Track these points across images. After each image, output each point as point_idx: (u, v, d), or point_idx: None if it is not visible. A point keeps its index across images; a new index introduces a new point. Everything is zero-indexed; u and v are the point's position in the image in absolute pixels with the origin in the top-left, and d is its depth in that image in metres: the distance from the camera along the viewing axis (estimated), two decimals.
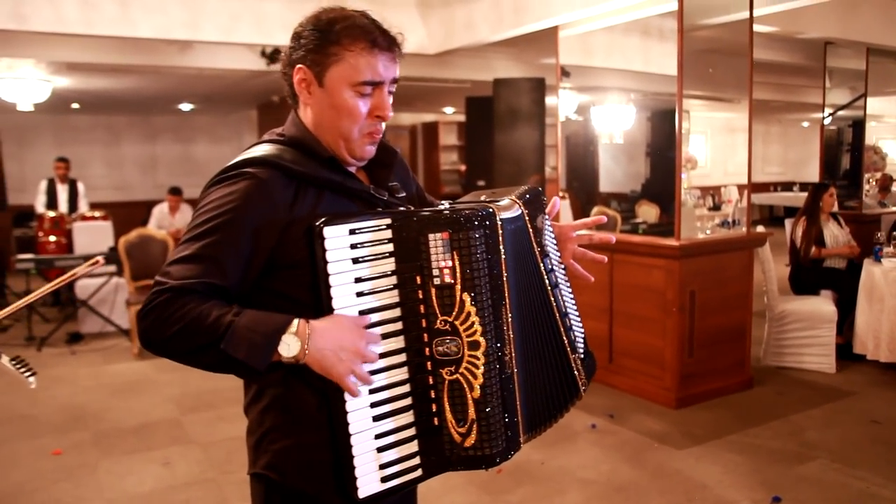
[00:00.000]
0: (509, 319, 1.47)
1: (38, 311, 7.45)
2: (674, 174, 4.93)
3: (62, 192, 8.92)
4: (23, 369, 2.41)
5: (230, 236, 1.37)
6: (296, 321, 1.34)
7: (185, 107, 12.90)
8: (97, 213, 8.66)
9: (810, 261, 6.13)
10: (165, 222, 9.06)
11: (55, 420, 4.93)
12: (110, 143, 13.88)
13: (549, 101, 7.05)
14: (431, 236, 1.38)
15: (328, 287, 1.36)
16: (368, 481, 1.40)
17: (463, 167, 13.34)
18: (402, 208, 1.52)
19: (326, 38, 1.44)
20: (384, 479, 1.41)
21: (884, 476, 3.84)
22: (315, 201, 1.44)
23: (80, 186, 9.09)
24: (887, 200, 7.81)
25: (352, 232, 1.38)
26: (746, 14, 5.00)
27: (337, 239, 1.36)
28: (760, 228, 6.17)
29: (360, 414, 1.39)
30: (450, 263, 1.38)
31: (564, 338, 1.68)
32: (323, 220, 1.36)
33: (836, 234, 6.19)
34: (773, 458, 4.11)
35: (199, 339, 1.32)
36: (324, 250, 1.35)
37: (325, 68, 1.45)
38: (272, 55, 7.17)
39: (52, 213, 8.40)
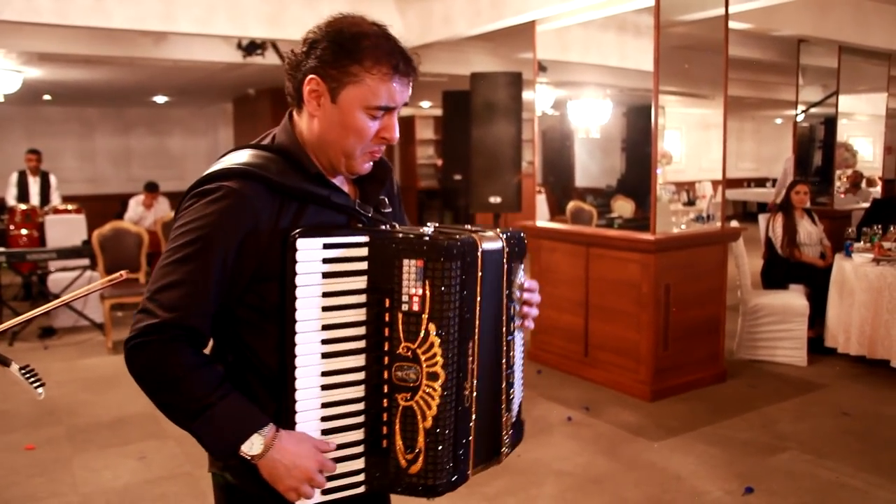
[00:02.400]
0: (476, 354, 1.47)
1: (9, 306, 7.35)
2: (649, 169, 4.97)
3: (33, 184, 8.79)
4: (32, 379, 2.35)
5: (214, 258, 1.36)
6: (269, 425, 1.37)
7: (160, 99, 12.78)
8: (70, 206, 8.56)
9: (789, 253, 6.20)
10: (140, 211, 9.06)
11: (28, 415, 4.88)
12: (83, 136, 13.73)
13: (526, 95, 7.07)
14: (406, 262, 1.37)
15: (293, 299, 1.35)
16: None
17: (440, 161, 13.33)
18: (384, 227, 1.50)
19: (348, 56, 1.38)
20: (324, 492, 1.41)
21: (853, 466, 3.91)
22: (298, 215, 1.42)
23: (52, 179, 8.97)
24: (858, 197, 7.94)
25: (326, 246, 1.37)
26: (722, 11, 5.04)
27: (309, 251, 1.36)
28: (734, 223, 6.25)
29: (307, 427, 1.40)
30: (420, 292, 1.37)
31: (503, 392, 1.60)
32: (298, 231, 1.36)
33: (809, 231, 6.28)
34: (746, 449, 4.17)
35: (177, 401, 1.37)
36: (294, 262, 1.35)
37: (342, 86, 1.40)
38: (248, 47, 7.13)
39: (23, 206, 8.28)
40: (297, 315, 1.36)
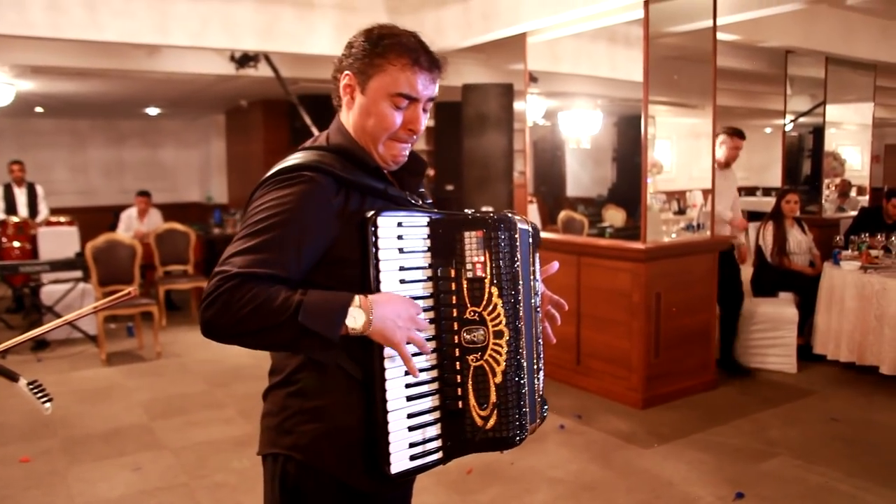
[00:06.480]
0: (521, 316, 1.59)
1: (1, 318, 7.34)
2: (640, 179, 5.03)
3: (20, 195, 8.74)
4: (39, 394, 2.36)
5: (290, 232, 1.45)
6: (357, 296, 1.44)
7: (152, 111, 12.77)
8: (62, 219, 8.55)
9: (779, 261, 6.26)
10: (134, 225, 9.01)
11: (22, 428, 4.88)
12: (75, 148, 13.69)
13: (518, 106, 7.13)
14: (467, 234, 1.53)
15: (378, 272, 1.48)
16: (400, 458, 1.50)
17: (432, 172, 13.36)
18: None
19: (374, 51, 1.56)
20: (412, 458, 1.51)
21: (842, 471, 3.95)
22: (361, 204, 1.54)
23: (39, 189, 8.93)
24: (846, 205, 8.01)
25: (399, 224, 1.51)
26: (710, 22, 5.11)
27: (388, 228, 1.50)
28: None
29: (397, 392, 1.50)
30: (482, 259, 1.53)
31: (535, 357, 1.72)
32: (374, 211, 1.49)
33: (799, 240, 6.34)
34: (737, 455, 4.21)
35: (272, 318, 1.38)
36: (376, 237, 1.48)
37: (369, 78, 1.57)
38: (241, 60, 7.16)
39: (15, 219, 8.28)
40: (382, 287, 1.49)
